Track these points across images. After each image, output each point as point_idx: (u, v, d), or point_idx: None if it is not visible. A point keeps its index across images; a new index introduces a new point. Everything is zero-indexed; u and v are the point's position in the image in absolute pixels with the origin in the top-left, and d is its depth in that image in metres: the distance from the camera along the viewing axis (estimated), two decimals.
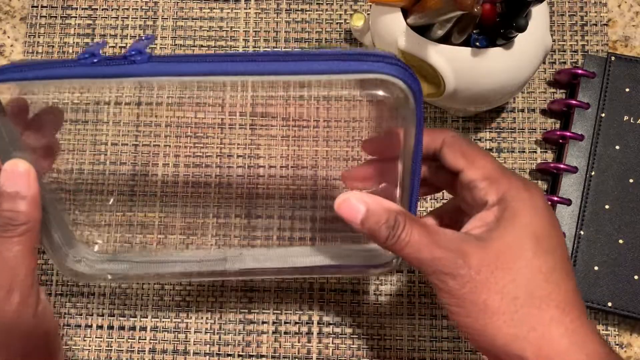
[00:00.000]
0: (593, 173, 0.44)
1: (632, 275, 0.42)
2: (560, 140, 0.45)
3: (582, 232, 0.43)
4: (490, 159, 0.32)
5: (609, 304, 0.42)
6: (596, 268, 0.43)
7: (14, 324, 0.30)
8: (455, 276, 0.29)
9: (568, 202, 0.44)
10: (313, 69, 0.28)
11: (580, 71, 0.45)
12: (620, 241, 0.43)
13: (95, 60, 0.29)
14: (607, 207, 0.43)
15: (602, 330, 0.44)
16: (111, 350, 0.44)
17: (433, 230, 0.30)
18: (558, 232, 0.31)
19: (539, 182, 0.46)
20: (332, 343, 0.44)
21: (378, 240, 0.30)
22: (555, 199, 0.44)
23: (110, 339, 0.45)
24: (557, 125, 0.47)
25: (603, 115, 0.45)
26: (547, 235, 0.30)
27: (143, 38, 0.30)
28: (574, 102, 0.45)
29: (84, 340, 0.44)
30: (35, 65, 0.29)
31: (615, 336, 0.44)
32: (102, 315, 0.45)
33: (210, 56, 0.28)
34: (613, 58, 0.45)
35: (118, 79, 0.28)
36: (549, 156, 0.47)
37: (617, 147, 0.44)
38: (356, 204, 0.30)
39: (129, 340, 0.45)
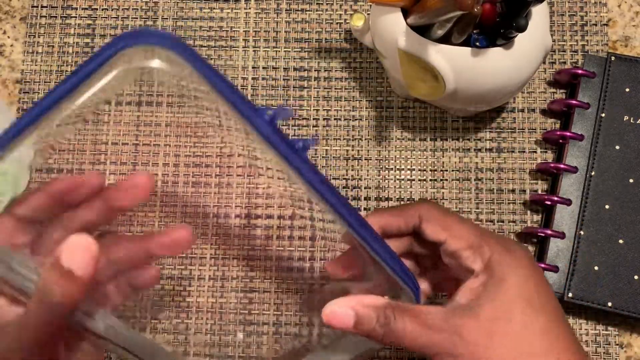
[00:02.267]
0: (593, 173, 0.44)
1: (632, 275, 0.42)
2: (560, 140, 0.45)
3: (582, 232, 0.43)
4: (468, 226, 0.33)
5: (609, 304, 0.42)
6: (596, 268, 0.43)
7: None
8: (456, 356, 0.29)
9: (568, 202, 0.44)
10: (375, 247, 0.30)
11: (580, 71, 0.45)
12: (621, 241, 0.43)
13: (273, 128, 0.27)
14: (607, 207, 0.43)
15: (602, 330, 0.44)
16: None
17: (422, 313, 0.30)
18: (546, 288, 0.32)
19: (539, 182, 0.46)
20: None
21: (376, 339, 0.30)
22: (556, 199, 0.44)
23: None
24: (557, 125, 0.47)
25: (603, 115, 0.45)
26: (536, 293, 0.31)
27: (309, 140, 0.28)
28: (573, 102, 0.45)
29: None
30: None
31: (615, 336, 0.44)
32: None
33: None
34: (613, 58, 0.45)
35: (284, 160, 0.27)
36: (549, 156, 0.47)
37: (617, 147, 0.44)
38: (344, 312, 0.30)
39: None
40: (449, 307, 0.31)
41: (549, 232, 0.44)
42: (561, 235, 0.44)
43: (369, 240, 0.30)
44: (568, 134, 0.44)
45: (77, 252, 0.27)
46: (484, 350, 0.29)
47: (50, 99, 0.26)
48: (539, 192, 0.46)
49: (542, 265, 0.43)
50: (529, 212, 0.46)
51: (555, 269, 0.43)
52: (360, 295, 0.31)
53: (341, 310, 0.30)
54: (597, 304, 0.43)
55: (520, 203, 0.46)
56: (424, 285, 0.36)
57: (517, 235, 0.46)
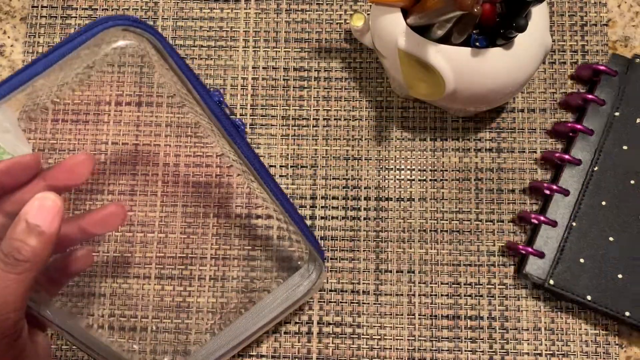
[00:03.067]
0: (596, 168, 0.44)
1: (616, 274, 0.43)
2: (571, 133, 0.45)
3: (574, 224, 0.44)
4: None
5: (588, 297, 0.43)
6: (582, 260, 0.43)
7: None
8: None
9: (566, 192, 0.44)
10: None
11: (602, 67, 0.45)
12: (611, 239, 0.43)
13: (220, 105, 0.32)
14: (603, 203, 0.44)
15: (602, 330, 0.44)
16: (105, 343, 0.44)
17: None
18: None
19: (540, 170, 0.46)
20: (332, 343, 0.44)
21: None
22: (555, 187, 0.44)
23: (111, 339, 0.45)
24: (556, 133, 0.47)
25: (617, 114, 0.45)
26: None
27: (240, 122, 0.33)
28: (590, 96, 0.45)
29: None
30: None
31: (615, 336, 0.44)
32: (103, 315, 0.45)
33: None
34: (638, 60, 0.45)
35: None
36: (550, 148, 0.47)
37: (625, 147, 0.44)
38: None
39: (129, 340, 0.45)
40: None
41: (542, 218, 0.44)
42: (553, 224, 0.44)
43: (292, 213, 0.36)
44: (579, 126, 0.45)
45: (43, 208, 0.27)
46: None
47: (34, 68, 0.28)
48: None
49: (529, 250, 0.44)
50: (527, 199, 0.46)
51: (541, 254, 0.44)
52: None
53: None
54: (576, 295, 0.43)
55: (519, 191, 0.46)
56: None
57: (511, 220, 0.46)
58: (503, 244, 0.46)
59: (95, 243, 0.46)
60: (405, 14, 0.39)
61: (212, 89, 0.32)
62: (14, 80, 0.27)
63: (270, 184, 0.36)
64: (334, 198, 0.47)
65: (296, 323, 0.45)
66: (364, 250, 0.46)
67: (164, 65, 0.30)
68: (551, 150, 0.46)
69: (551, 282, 0.43)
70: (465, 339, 0.44)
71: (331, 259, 0.46)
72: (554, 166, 0.46)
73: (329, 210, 0.46)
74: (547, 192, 0.45)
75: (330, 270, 0.45)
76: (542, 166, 0.46)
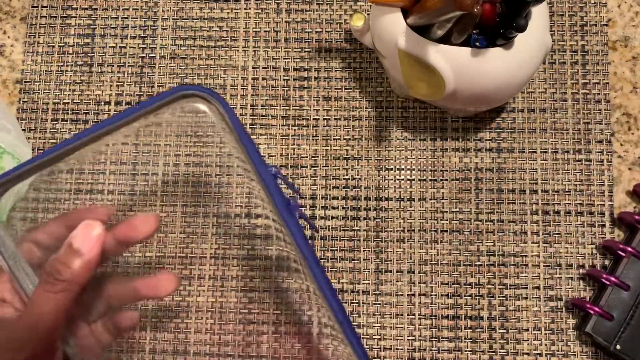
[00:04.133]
0: None
1: None
2: (620, 252, 0.44)
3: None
4: None
5: None
6: None
7: None
8: None
9: (609, 316, 0.43)
10: None
11: None
12: None
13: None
14: None
15: None
16: (111, 350, 0.44)
17: None
18: None
19: (615, 230, 0.46)
20: (332, 343, 0.44)
21: None
22: (629, 249, 0.43)
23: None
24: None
25: None
26: None
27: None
28: None
29: None
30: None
31: None
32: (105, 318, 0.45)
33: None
34: None
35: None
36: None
37: None
38: None
39: (129, 340, 0.45)
40: None
41: (614, 279, 0.43)
42: (626, 287, 0.43)
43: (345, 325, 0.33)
44: (630, 249, 0.43)
45: (87, 235, 0.30)
46: None
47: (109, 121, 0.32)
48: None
49: (599, 311, 0.43)
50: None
51: (610, 316, 0.43)
52: None
53: None
54: None
55: (519, 191, 0.46)
56: None
57: (580, 277, 0.45)
58: (502, 244, 0.46)
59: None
60: (405, 14, 0.39)
61: (270, 166, 0.33)
62: (93, 128, 0.32)
63: (318, 275, 0.33)
64: (334, 198, 0.46)
65: (296, 323, 0.45)
66: (364, 250, 0.46)
67: (227, 131, 0.33)
68: (629, 212, 0.45)
69: (618, 347, 0.42)
70: (465, 339, 0.44)
71: (331, 259, 0.46)
72: (628, 227, 0.45)
73: (329, 210, 0.46)
74: (621, 253, 0.44)
75: (330, 270, 0.45)
76: (617, 226, 0.46)
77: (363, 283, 0.45)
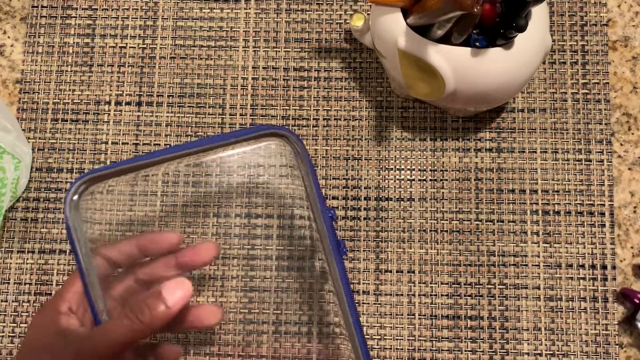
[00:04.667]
0: None
1: None
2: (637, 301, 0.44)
3: None
4: None
5: None
6: None
7: None
8: None
9: None
10: None
11: None
12: None
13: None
14: None
15: (602, 330, 0.44)
16: None
17: None
18: None
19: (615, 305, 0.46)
20: (333, 343, 0.44)
21: None
22: None
23: None
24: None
25: None
26: None
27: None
28: None
29: None
30: None
31: (615, 336, 0.44)
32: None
33: None
34: None
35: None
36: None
37: None
38: None
39: None
40: None
41: None
42: None
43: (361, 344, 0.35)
44: None
45: (176, 290, 0.32)
46: None
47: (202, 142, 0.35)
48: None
49: None
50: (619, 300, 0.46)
51: None
52: None
53: None
54: None
55: (519, 191, 0.46)
56: None
57: (613, 292, 0.45)
58: (502, 244, 0.46)
59: None
60: (405, 13, 0.39)
61: (329, 207, 0.36)
62: (177, 147, 0.34)
63: (353, 316, 0.35)
64: (334, 198, 0.46)
65: (296, 323, 0.45)
66: (364, 250, 0.46)
67: (299, 168, 0.36)
68: (631, 289, 0.44)
69: None
70: (465, 339, 0.44)
71: None
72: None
73: None
74: None
75: None
76: (620, 302, 0.46)
77: (363, 283, 0.45)
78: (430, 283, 0.45)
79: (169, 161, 0.34)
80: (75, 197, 0.33)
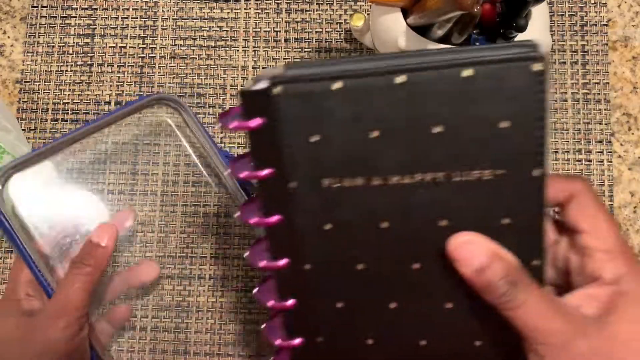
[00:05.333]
0: None
1: None
2: None
3: None
4: (615, 230, 0.29)
5: None
6: None
7: (57, 343, 0.35)
8: (571, 354, 0.26)
9: None
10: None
11: None
12: None
13: None
14: None
15: None
16: (111, 350, 0.44)
17: (550, 296, 0.27)
18: None
19: None
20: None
21: (490, 294, 0.27)
22: None
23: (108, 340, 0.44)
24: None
25: None
26: None
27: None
28: None
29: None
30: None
31: None
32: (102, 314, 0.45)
33: None
34: None
35: None
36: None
37: None
38: (478, 250, 0.27)
39: (129, 340, 0.44)
40: (576, 308, 0.28)
41: None
42: None
43: None
44: None
45: (102, 231, 0.37)
46: None
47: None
48: None
49: None
50: None
51: None
52: (496, 244, 0.27)
53: (475, 246, 0.27)
54: None
55: None
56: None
57: None
58: None
59: None
60: (406, 13, 0.39)
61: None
62: (78, 130, 0.40)
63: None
64: None
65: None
66: None
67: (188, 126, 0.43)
68: None
69: None
70: None
71: None
72: None
73: None
74: None
75: None
76: None
77: None
78: None
79: (72, 143, 0.40)
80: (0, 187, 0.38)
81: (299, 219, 0.28)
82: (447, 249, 0.27)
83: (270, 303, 0.30)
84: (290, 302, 0.30)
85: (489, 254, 0.26)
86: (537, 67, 0.25)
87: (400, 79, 0.25)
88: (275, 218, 0.28)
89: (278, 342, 0.31)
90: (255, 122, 0.27)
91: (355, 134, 0.26)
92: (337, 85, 0.26)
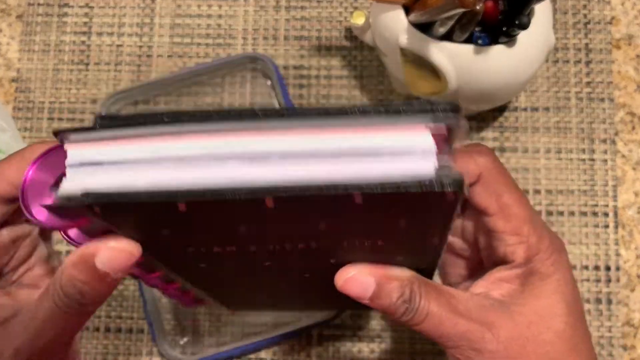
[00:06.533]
0: None
1: None
2: None
3: None
4: (525, 207, 0.28)
5: None
6: None
7: None
8: (483, 352, 0.26)
9: None
10: None
11: None
12: None
13: None
14: None
15: (606, 332, 0.44)
16: (108, 352, 0.44)
17: (450, 295, 0.27)
18: (578, 293, 0.28)
19: None
20: (333, 346, 0.44)
21: (392, 316, 0.26)
22: None
23: (106, 342, 0.44)
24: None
25: None
26: (574, 301, 0.28)
27: None
28: None
29: (80, 343, 0.44)
30: None
31: (618, 338, 0.43)
32: (99, 317, 0.44)
33: None
34: None
35: None
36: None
37: None
38: (363, 279, 0.26)
39: (126, 342, 0.44)
40: (480, 297, 0.27)
41: None
42: None
43: None
44: None
45: (119, 256, 0.23)
46: (515, 355, 0.26)
47: None
48: None
49: None
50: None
51: None
52: (383, 265, 0.26)
53: (361, 277, 0.26)
54: None
55: None
56: None
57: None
58: None
59: None
60: (407, 11, 0.39)
61: None
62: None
63: None
64: None
65: None
66: None
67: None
68: None
69: None
70: None
71: None
72: None
73: None
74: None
75: None
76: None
77: None
78: None
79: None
80: None
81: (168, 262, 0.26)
82: (337, 286, 0.26)
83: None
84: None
85: (377, 280, 0.26)
86: (450, 197, 0.19)
87: (268, 202, 0.19)
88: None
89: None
90: (81, 223, 0.22)
91: (214, 237, 0.23)
92: (181, 207, 0.19)
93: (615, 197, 0.46)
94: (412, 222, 0.22)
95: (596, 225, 0.45)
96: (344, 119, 0.19)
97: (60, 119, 0.48)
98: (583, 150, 0.46)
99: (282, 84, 0.46)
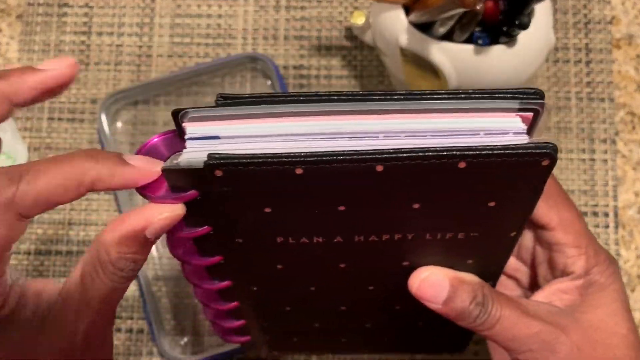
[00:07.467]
0: None
1: None
2: None
3: None
4: (582, 221, 0.29)
5: None
6: None
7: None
8: (558, 353, 0.26)
9: None
10: None
11: None
12: None
13: None
14: None
15: None
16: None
17: (518, 301, 0.27)
18: (629, 302, 0.30)
19: None
20: None
21: (464, 320, 0.26)
22: None
23: None
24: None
25: None
26: (629, 309, 0.29)
27: None
28: None
29: None
30: None
31: None
32: None
33: None
34: None
35: None
36: None
37: None
38: (438, 281, 0.26)
39: (126, 342, 0.44)
40: (547, 304, 0.28)
41: None
42: None
43: None
44: None
45: (172, 222, 0.24)
46: (588, 356, 0.27)
47: None
48: None
49: None
50: None
51: None
52: (453, 270, 0.27)
53: (436, 279, 0.26)
54: None
55: None
56: None
57: None
58: None
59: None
60: (407, 11, 0.39)
61: None
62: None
63: None
64: None
65: None
66: None
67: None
68: None
69: None
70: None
71: None
72: None
73: None
74: None
75: None
76: None
77: None
78: None
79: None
80: None
81: (245, 263, 0.27)
82: (410, 290, 0.27)
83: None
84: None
85: (451, 282, 0.26)
86: (545, 162, 0.22)
87: (378, 167, 0.21)
88: (215, 258, 0.27)
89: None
90: (189, 195, 0.23)
91: (317, 210, 0.24)
92: (298, 171, 0.21)
93: (615, 197, 0.46)
94: (502, 201, 0.23)
95: (596, 225, 0.45)
96: (448, 102, 0.22)
97: (60, 119, 0.48)
98: (583, 150, 0.46)
99: (282, 84, 0.46)
